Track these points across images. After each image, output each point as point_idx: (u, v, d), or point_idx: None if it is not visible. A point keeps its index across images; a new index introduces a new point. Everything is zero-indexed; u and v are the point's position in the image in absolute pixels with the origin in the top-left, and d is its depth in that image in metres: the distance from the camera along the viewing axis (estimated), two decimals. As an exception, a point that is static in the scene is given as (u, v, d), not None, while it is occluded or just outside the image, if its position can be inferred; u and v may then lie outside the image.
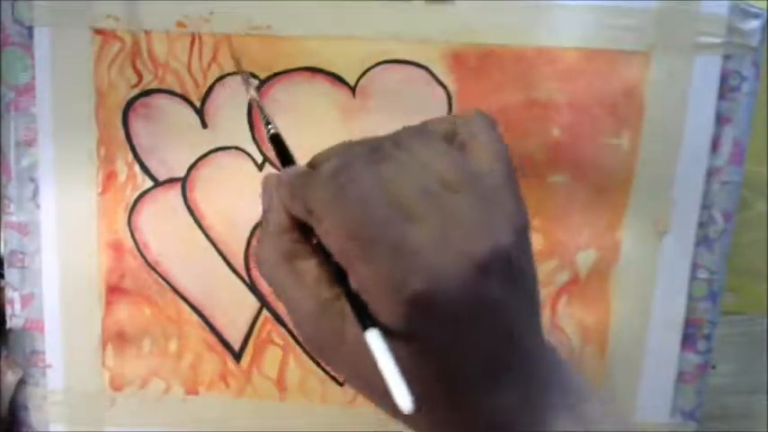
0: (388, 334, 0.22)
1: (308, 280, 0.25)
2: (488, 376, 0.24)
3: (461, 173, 0.24)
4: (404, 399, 0.21)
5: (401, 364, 0.22)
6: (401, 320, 0.22)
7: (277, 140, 0.31)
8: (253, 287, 0.41)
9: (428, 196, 0.23)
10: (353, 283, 0.23)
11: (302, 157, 0.39)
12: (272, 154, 0.39)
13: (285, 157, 0.30)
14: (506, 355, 0.24)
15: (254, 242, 0.40)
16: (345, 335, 0.24)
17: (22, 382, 0.42)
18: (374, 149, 0.25)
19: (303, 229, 0.26)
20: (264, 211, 0.27)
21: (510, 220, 0.24)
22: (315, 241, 0.26)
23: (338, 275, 0.24)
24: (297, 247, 0.25)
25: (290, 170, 0.28)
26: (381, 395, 0.22)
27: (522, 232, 0.25)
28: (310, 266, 0.25)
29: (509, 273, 0.23)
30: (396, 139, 0.26)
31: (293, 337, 0.41)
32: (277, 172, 0.28)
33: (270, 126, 0.32)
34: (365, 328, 0.23)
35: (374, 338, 0.22)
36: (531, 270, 0.25)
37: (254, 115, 0.39)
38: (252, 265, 0.27)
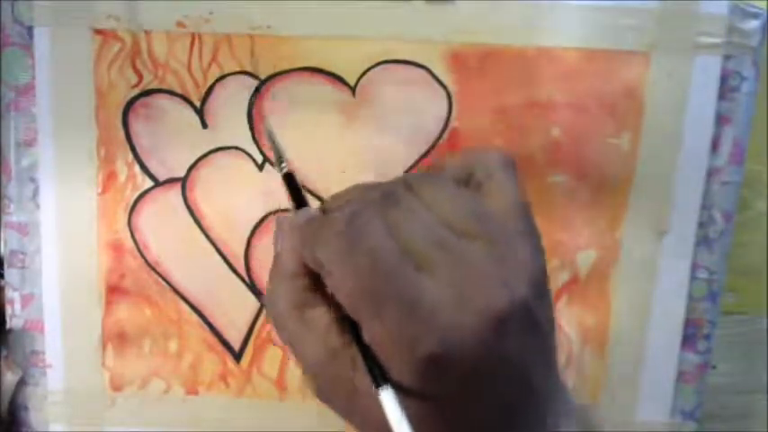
0: (401, 390, 0.22)
1: (318, 327, 0.24)
2: (504, 425, 0.23)
3: (475, 218, 0.23)
4: None
5: (415, 420, 0.21)
6: (415, 379, 0.22)
7: (290, 180, 0.29)
8: (253, 287, 0.41)
9: (441, 246, 0.22)
10: (366, 337, 0.23)
11: (302, 158, 0.39)
12: (272, 154, 0.39)
13: (298, 199, 0.29)
14: (523, 402, 0.23)
15: (253, 242, 0.40)
16: (356, 384, 0.23)
17: (22, 382, 0.42)
18: (386, 195, 0.24)
19: (315, 275, 0.25)
20: (276, 254, 0.26)
21: (526, 269, 0.23)
22: (327, 288, 0.25)
23: (351, 327, 0.23)
24: (307, 295, 0.25)
25: (301, 214, 0.27)
26: None
27: (540, 279, 0.23)
28: (320, 314, 0.24)
29: (526, 324, 0.22)
30: (408, 183, 0.25)
31: (293, 337, 0.41)
32: (289, 214, 0.27)
33: (283, 164, 0.30)
34: (378, 385, 0.22)
35: (387, 397, 0.22)
36: (549, 313, 0.24)
37: (255, 115, 0.39)
38: (265, 309, 0.26)
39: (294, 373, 0.41)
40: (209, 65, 0.39)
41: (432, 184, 0.25)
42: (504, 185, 0.25)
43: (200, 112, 0.39)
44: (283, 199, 0.39)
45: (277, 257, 0.26)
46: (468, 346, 0.21)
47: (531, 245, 0.24)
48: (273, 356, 0.41)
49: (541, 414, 0.24)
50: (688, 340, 0.40)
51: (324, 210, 0.26)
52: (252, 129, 0.39)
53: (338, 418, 0.42)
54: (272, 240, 0.27)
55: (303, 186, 0.39)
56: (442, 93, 0.39)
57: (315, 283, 0.25)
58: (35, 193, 0.40)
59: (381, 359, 0.22)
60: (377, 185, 0.26)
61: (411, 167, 0.39)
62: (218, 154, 0.40)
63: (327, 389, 0.25)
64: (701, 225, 0.39)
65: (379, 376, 0.22)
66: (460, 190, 0.25)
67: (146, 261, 0.40)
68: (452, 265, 0.22)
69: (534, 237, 0.24)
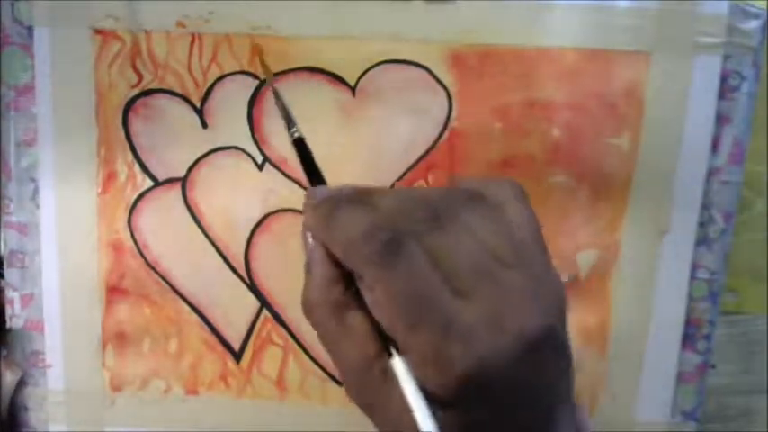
0: (437, 406, 0.22)
1: (356, 333, 0.25)
2: None
3: (510, 246, 0.24)
4: (426, 423, 0.22)
5: (445, 430, 0.22)
6: (449, 395, 0.22)
7: (301, 146, 0.30)
8: (253, 287, 0.41)
9: (481, 273, 0.23)
10: (402, 352, 0.23)
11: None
12: (271, 153, 0.39)
13: (311, 168, 0.29)
14: (544, 425, 0.24)
15: (253, 242, 0.40)
16: (391, 393, 0.24)
17: (22, 382, 0.42)
18: (433, 218, 0.25)
19: (349, 276, 0.25)
20: (308, 262, 0.26)
21: (556, 296, 0.24)
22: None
23: (381, 335, 0.24)
24: (345, 299, 0.25)
25: (320, 193, 0.27)
26: None
27: (565, 309, 0.25)
28: (359, 319, 0.25)
29: (556, 349, 0.24)
30: (452, 206, 0.25)
31: (293, 337, 0.41)
32: (318, 216, 0.27)
33: (293, 129, 0.30)
34: (390, 353, 0.23)
35: (399, 365, 0.23)
36: (569, 339, 0.25)
37: (255, 115, 0.39)
38: (303, 313, 0.26)
39: (294, 372, 0.41)
40: (209, 65, 0.39)
41: (475, 208, 0.25)
42: (523, 212, 0.26)
43: (200, 112, 0.39)
44: (283, 199, 0.40)
45: (309, 265, 0.26)
46: (503, 367, 0.22)
47: (556, 273, 0.25)
48: (273, 356, 0.41)
49: None
50: (688, 340, 0.40)
51: (357, 199, 0.26)
52: (252, 129, 0.39)
53: (338, 418, 0.42)
54: (302, 241, 0.27)
55: (305, 187, 0.40)
56: (442, 93, 0.39)
57: (351, 285, 0.25)
58: (35, 193, 0.40)
59: (418, 374, 0.23)
60: (419, 200, 0.26)
61: (411, 167, 0.39)
62: (218, 154, 0.40)
63: (361, 395, 0.25)
64: (701, 225, 0.39)
65: (392, 346, 0.23)
66: (497, 216, 0.25)
67: (146, 261, 0.40)
68: (491, 292, 0.23)
69: (551, 261, 0.25)
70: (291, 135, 0.30)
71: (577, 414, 0.26)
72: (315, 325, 0.26)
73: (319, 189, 0.29)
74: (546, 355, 0.23)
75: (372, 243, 0.24)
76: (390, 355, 0.23)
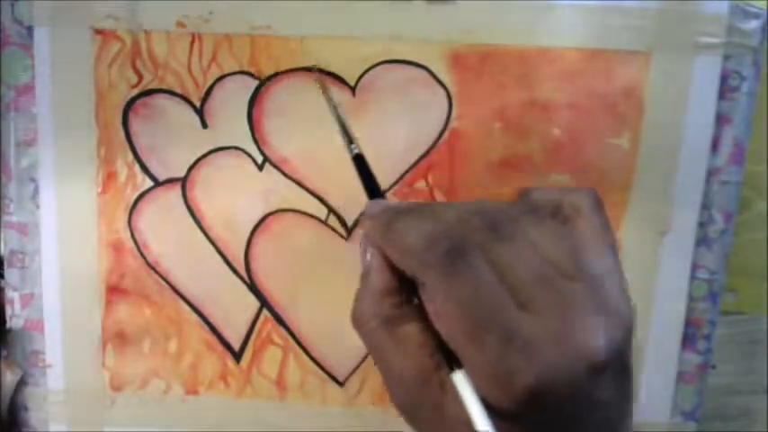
0: (497, 417, 0.22)
1: (411, 347, 0.24)
2: None
3: (577, 259, 0.24)
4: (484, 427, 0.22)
5: None
6: (509, 408, 0.22)
7: (361, 163, 0.30)
8: (253, 287, 0.41)
9: (544, 284, 0.23)
10: (464, 363, 0.23)
11: (303, 159, 0.39)
12: (271, 153, 0.39)
13: (370, 183, 0.30)
14: None
15: (253, 242, 0.40)
16: (445, 409, 0.23)
17: (22, 382, 0.42)
18: (493, 227, 0.24)
19: (407, 288, 0.25)
20: (365, 269, 0.26)
21: (622, 315, 0.24)
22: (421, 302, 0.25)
23: (440, 345, 0.24)
24: (400, 312, 0.25)
25: (377, 206, 0.27)
26: None
27: (631, 327, 0.24)
28: (413, 332, 0.24)
29: (619, 370, 0.23)
30: (512, 216, 0.25)
31: (293, 337, 0.41)
32: (377, 224, 0.26)
33: (353, 145, 0.30)
34: (452, 368, 0.23)
35: (460, 379, 0.22)
36: (632, 362, 0.25)
37: (255, 115, 0.39)
38: (352, 324, 0.26)
39: (294, 372, 0.41)
40: (209, 65, 0.39)
41: (536, 219, 0.25)
42: (596, 226, 0.25)
43: (200, 112, 0.39)
44: (283, 199, 0.40)
45: (366, 273, 0.26)
46: (565, 383, 0.22)
47: (625, 292, 0.25)
48: (273, 356, 0.41)
49: None
50: (688, 340, 0.40)
51: (409, 210, 0.26)
52: (252, 129, 0.39)
53: (338, 418, 0.42)
54: (360, 253, 0.26)
55: (305, 187, 0.40)
56: (442, 93, 0.39)
57: (407, 296, 0.25)
58: (35, 193, 0.40)
59: (477, 387, 0.23)
60: (478, 210, 0.25)
61: (411, 167, 0.39)
62: (218, 154, 0.40)
63: (413, 409, 0.25)
64: (701, 225, 0.39)
65: (454, 361, 0.23)
66: (561, 227, 0.25)
67: (146, 261, 0.41)
68: (555, 305, 0.23)
69: (625, 280, 0.25)
70: (351, 151, 0.31)
71: None
72: (365, 336, 0.25)
73: (380, 201, 0.29)
74: (608, 374, 0.23)
75: (435, 250, 0.23)
76: (451, 368, 0.23)
